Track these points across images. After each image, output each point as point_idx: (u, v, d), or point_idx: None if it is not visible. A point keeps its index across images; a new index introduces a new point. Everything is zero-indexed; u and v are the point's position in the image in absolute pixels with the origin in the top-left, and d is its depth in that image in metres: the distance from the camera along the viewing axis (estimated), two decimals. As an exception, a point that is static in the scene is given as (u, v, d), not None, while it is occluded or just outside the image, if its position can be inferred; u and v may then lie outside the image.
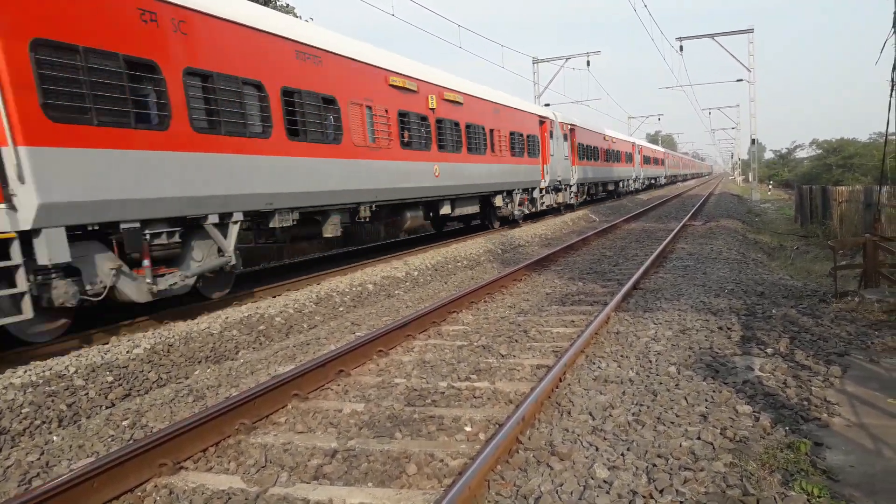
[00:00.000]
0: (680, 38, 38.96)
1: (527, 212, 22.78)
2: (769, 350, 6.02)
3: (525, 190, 22.37)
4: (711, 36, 38.47)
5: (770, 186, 64.53)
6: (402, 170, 14.08)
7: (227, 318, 8.31)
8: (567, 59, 40.71)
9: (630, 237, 18.09)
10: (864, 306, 7.59)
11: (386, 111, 13.43)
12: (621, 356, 6.11)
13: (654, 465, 3.81)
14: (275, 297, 10.10)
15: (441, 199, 16.53)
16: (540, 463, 3.98)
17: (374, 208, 13.26)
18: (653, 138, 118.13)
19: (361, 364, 6.48)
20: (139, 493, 4.04)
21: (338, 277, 11.53)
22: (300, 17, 23.14)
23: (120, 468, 3.98)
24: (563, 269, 12.29)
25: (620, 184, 42.33)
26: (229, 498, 3.88)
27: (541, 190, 24.00)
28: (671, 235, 16.35)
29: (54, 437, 5.18)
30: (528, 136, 22.59)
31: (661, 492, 3.50)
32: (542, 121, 24.58)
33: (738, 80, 43.17)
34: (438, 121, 15.80)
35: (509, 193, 21.01)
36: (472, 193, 18.21)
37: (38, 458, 4.72)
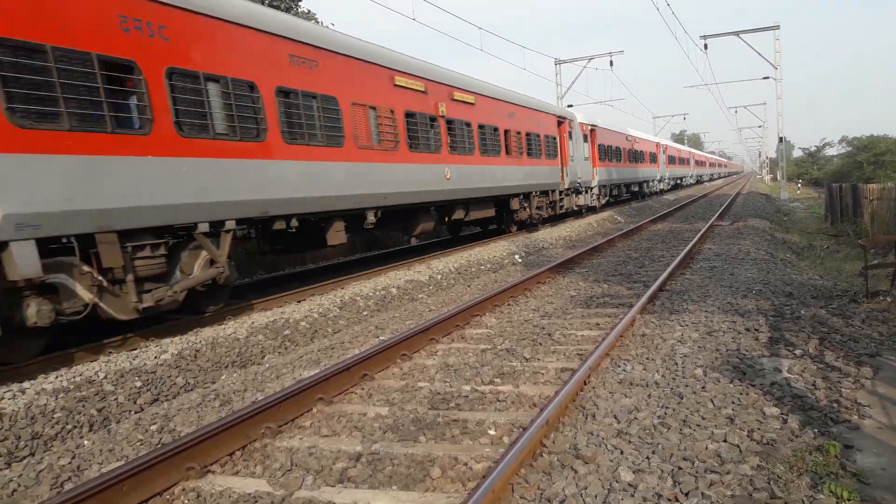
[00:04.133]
0: (704, 37, 38.57)
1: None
2: (798, 351, 5.92)
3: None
4: (736, 33, 38.02)
5: (799, 185, 63.55)
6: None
7: (252, 322, 8.40)
8: (590, 59, 40.51)
9: (656, 238, 17.93)
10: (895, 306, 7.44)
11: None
12: (647, 359, 6.06)
13: (680, 468, 3.77)
14: (299, 301, 10.19)
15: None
16: (564, 466, 3.96)
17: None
18: (678, 138, 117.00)
19: (385, 368, 6.51)
20: (167, 497, 4.10)
21: (362, 282, 11.60)
22: (321, 23, 23.31)
23: (149, 472, 4.05)
24: (588, 272, 12.22)
25: (682, 179, 61.36)
26: (256, 501, 3.92)
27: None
28: (698, 236, 16.16)
29: (85, 442, 5.28)
30: (649, 153, 37.60)
31: (686, 495, 3.47)
32: (658, 145, 39.55)
33: (764, 78, 42.61)
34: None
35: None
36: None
37: (70, 462, 4.82)
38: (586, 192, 26.22)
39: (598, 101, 48.12)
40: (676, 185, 57.63)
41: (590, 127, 27.40)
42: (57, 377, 6.25)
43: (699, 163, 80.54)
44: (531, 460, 4.06)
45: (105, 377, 6.31)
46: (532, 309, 9.02)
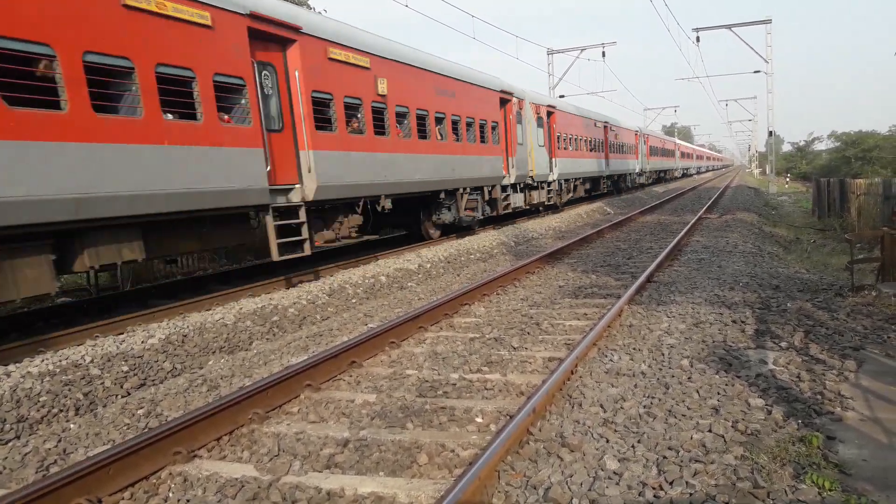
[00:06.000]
0: (696, 29, 38.62)
1: None
2: (783, 344, 5.98)
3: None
4: (728, 27, 38.11)
5: (787, 179, 63.94)
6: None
7: (241, 308, 8.37)
8: (582, 49, 40.46)
9: (644, 230, 18.00)
10: (880, 300, 7.52)
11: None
12: (634, 349, 6.10)
13: (665, 458, 3.80)
14: (288, 288, 10.16)
15: None
16: (550, 454, 3.99)
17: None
18: (669, 130, 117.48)
19: (374, 355, 6.51)
20: (154, 481, 4.10)
21: (351, 269, 11.58)
22: (313, 9, 23.14)
23: (135, 456, 4.04)
24: (577, 262, 12.26)
25: (666, 173, 59.01)
26: (243, 486, 3.92)
27: None
28: (686, 228, 16.24)
29: (71, 425, 5.26)
30: (627, 144, 38.73)
31: (671, 483, 3.50)
32: (637, 134, 42.25)
33: (755, 72, 42.75)
34: None
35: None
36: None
37: (56, 446, 4.80)
38: (541, 187, 22.59)
39: (590, 92, 48.06)
40: (659, 179, 54.21)
41: (546, 109, 23.42)
42: (43, 360, 6.21)
43: (685, 155, 76.59)
44: (518, 448, 4.08)
45: (91, 361, 6.28)
46: (521, 298, 9.04)
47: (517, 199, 20.12)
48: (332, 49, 11.13)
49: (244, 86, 9.15)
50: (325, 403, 5.24)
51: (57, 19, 6.67)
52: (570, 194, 27.08)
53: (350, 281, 10.35)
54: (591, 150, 29.97)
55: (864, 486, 3.45)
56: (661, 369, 5.45)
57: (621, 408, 4.63)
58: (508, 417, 4.53)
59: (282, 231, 9.88)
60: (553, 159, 23.70)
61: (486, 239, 15.80)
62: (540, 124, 22.34)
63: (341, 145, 11.31)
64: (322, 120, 10.89)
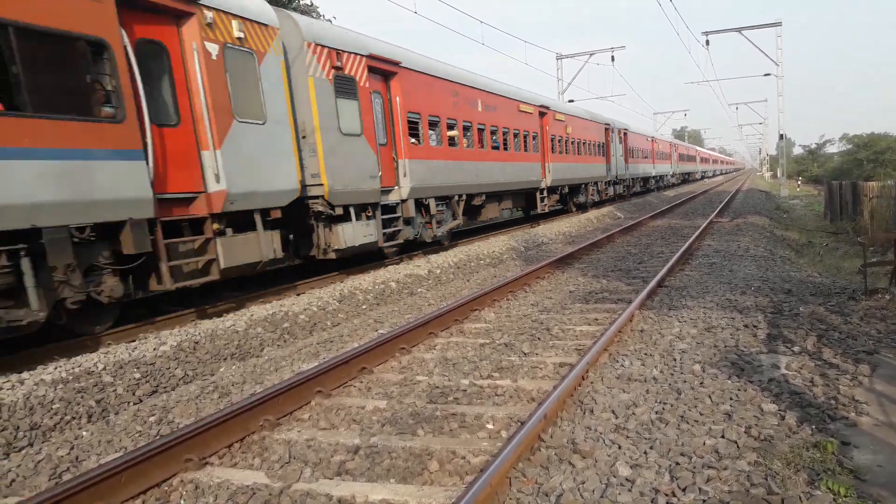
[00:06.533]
0: (706, 33, 38.43)
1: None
2: (796, 348, 5.93)
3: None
4: (738, 30, 37.95)
5: (799, 182, 63.61)
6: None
7: (252, 315, 8.40)
8: (591, 54, 40.42)
9: (655, 234, 17.93)
10: (894, 304, 7.45)
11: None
12: (645, 354, 6.07)
13: (677, 464, 3.78)
14: (299, 294, 10.19)
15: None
16: (562, 461, 3.97)
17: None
18: (678, 134, 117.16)
19: (384, 361, 6.51)
20: (165, 488, 4.11)
21: (361, 275, 11.60)
22: (321, 16, 23.31)
23: (147, 463, 4.06)
24: (587, 267, 12.22)
25: (690, 175, 71.00)
26: (254, 493, 3.93)
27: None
28: (697, 232, 16.16)
29: (83, 433, 5.29)
30: (665, 152, 47.06)
31: (683, 490, 3.48)
32: (671, 144, 50.81)
33: (765, 75, 42.60)
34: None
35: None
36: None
37: (68, 453, 4.82)
38: (620, 183, 34.59)
39: (599, 97, 48.08)
40: (685, 180, 67.09)
41: (623, 131, 35.64)
42: (56, 368, 6.24)
43: (704, 160, 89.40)
44: (529, 454, 4.07)
45: (104, 368, 6.31)
46: (531, 304, 9.02)
47: (611, 191, 32.46)
48: (556, 114, 23.77)
49: (538, 135, 21.65)
50: (335, 410, 5.24)
51: (511, 118, 19.59)
52: (635, 188, 39.32)
53: (360, 287, 10.36)
54: (644, 158, 41.79)
55: (880, 493, 3.42)
56: (672, 374, 5.42)
57: (633, 414, 4.61)
58: (519, 424, 4.52)
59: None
60: (627, 164, 35.83)
61: (496, 244, 15.79)
62: (621, 141, 34.62)
63: (555, 160, 23.35)
64: (552, 148, 22.95)
